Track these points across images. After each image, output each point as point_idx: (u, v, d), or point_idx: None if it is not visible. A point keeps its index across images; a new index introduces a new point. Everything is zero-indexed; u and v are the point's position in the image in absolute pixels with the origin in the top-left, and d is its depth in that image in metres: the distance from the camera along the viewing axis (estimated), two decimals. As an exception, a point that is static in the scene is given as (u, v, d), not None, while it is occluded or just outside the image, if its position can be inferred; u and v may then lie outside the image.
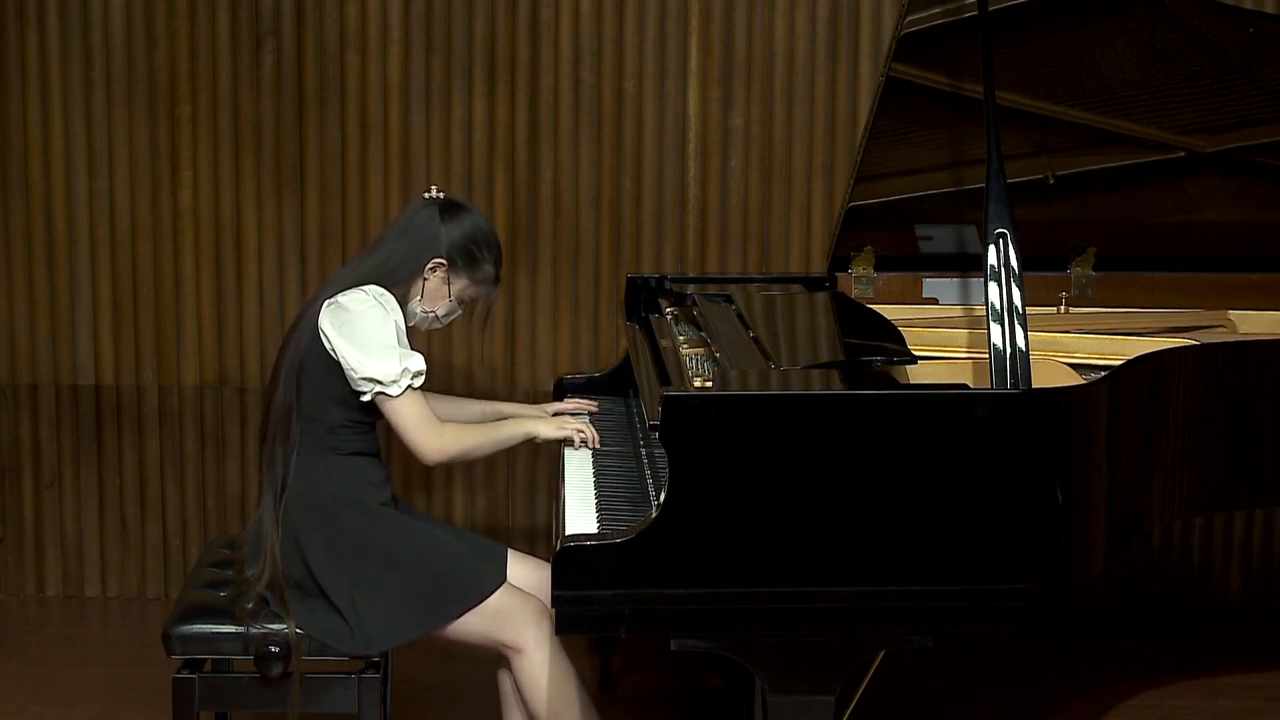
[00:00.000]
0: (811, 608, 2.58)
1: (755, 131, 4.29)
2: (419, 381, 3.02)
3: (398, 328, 3.01)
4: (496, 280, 3.18)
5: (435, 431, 3.03)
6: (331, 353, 3.01)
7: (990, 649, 4.12)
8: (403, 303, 3.09)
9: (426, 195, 3.15)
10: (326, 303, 3.03)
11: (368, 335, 2.98)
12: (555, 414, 3.38)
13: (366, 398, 3.01)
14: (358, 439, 3.07)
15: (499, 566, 3.05)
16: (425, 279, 3.10)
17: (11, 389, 4.42)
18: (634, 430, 3.36)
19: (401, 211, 3.21)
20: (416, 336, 3.18)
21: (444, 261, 3.09)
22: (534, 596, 3.03)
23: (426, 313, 3.14)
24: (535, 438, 3.19)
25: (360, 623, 2.97)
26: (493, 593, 3.00)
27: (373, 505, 3.06)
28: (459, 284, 3.13)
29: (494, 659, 3.14)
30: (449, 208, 3.12)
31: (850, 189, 3.64)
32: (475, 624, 3.00)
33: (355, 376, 2.99)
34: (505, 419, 3.29)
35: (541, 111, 4.29)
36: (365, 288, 3.03)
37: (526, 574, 3.11)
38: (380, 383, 2.98)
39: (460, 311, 3.19)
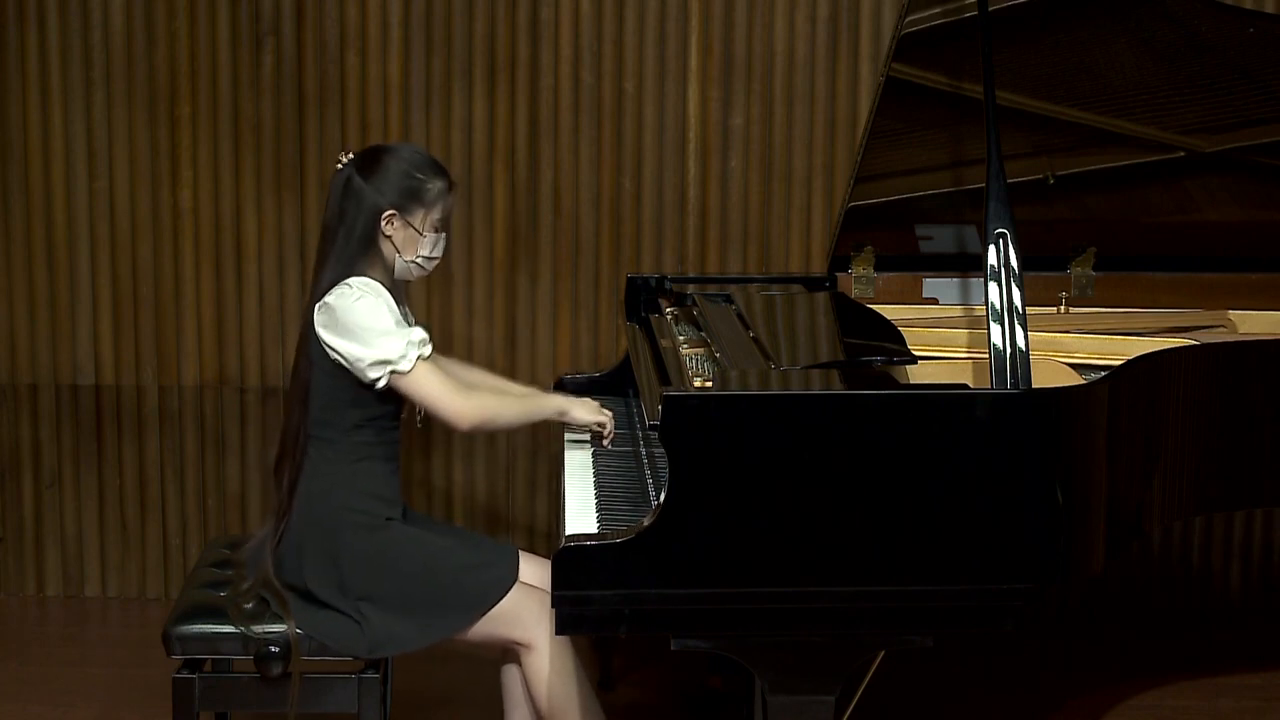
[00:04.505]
0: (811, 608, 2.58)
1: (755, 131, 4.29)
2: (427, 350, 2.97)
3: (390, 309, 2.96)
4: (450, 187, 3.07)
5: (462, 395, 2.99)
6: (335, 355, 2.98)
7: (990, 649, 4.12)
8: (390, 270, 3.03)
9: (339, 165, 3.05)
10: (317, 308, 2.99)
11: (363, 326, 2.94)
12: None
13: (382, 384, 2.95)
14: (378, 440, 3.04)
15: (507, 569, 3.02)
16: (389, 236, 3.02)
17: (11, 389, 4.42)
18: (634, 430, 3.35)
19: (329, 194, 3.07)
20: (417, 296, 3.06)
21: (393, 211, 3.01)
22: (543, 590, 2.97)
23: (413, 260, 3.06)
24: (566, 415, 3.16)
25: (368, 630, 2.96)
26: (503, 597, 2.98)
27: (378, 520, 3.02)
28: (419, 217, 3.04)
29: (496, 659, 3.13)
30: (364, 164, 3.02)
31: (850, 189, 3.64)
32: (486, 626, 2.99)
33: (363, 366, 2.95)
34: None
35: (541, 111, 4.28)
36: (347, 281, 2.98)
37: (532, 571, 3.08)
38: (390, 362, 2.93)
39: (444, 234, 3.09)
